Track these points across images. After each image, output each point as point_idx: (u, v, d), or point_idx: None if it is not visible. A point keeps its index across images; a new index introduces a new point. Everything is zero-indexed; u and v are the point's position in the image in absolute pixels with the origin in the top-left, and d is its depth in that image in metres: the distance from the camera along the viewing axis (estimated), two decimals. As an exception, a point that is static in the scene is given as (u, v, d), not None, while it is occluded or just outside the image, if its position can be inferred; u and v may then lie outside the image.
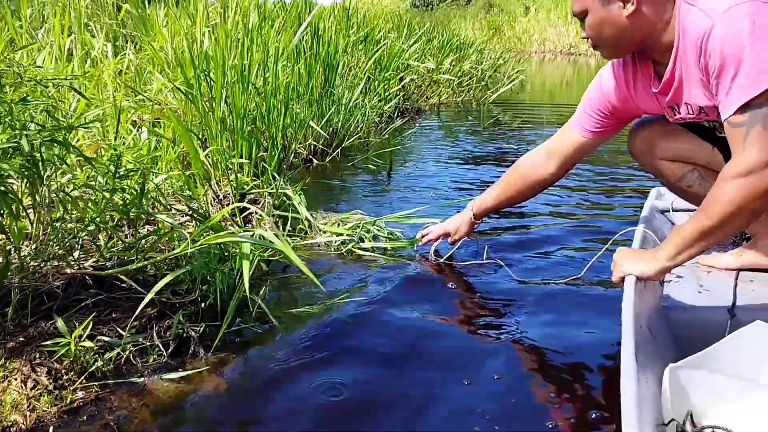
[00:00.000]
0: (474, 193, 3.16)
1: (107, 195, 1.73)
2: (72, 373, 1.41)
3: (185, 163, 2.71)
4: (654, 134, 1.80)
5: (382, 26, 7.23)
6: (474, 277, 2.19)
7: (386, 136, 4.84)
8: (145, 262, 1.74)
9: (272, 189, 2.63)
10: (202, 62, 3.05)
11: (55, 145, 1.58)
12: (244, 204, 2.24)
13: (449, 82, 7.70)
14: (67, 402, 1.34)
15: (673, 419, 1.14)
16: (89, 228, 1.75)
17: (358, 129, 4.35)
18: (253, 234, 1.77)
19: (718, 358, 1.21)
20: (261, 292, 1.86)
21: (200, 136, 2.87)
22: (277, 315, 1.80)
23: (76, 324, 1.48)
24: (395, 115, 5.75)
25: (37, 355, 1.43)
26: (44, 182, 1.61)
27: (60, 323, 1.43)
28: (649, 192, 2.31)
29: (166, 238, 1.91)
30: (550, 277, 2.16)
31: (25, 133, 1.45)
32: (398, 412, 1.41)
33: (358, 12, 7.32)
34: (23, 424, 1.26)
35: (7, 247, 1.55)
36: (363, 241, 2.40)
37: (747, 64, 1.27)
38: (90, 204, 1.76)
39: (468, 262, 2.28)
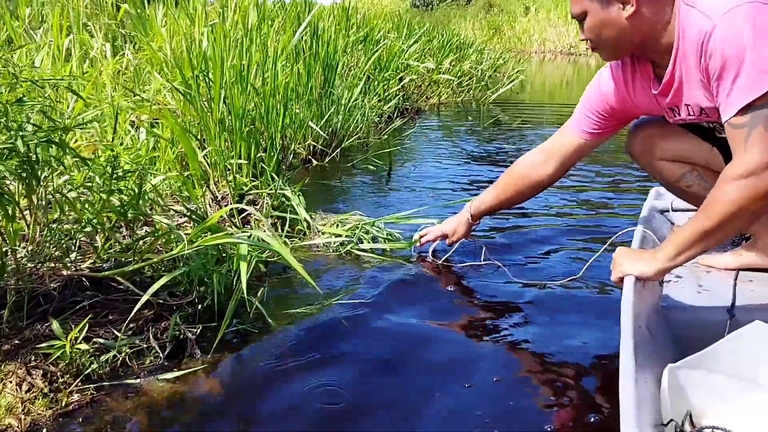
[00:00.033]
0: (474, 193, 3.15)
1: (104, 196, 1.72)
2: (68, 375, 1.40)
3: (183, 163, 2.71)
4: (652, 135, 1.79)
5: (381, 26, 7.22)
6: (472, 278, 2.18)
7: (386, 136, 4.83)
8: (142, 264, 1.73)
9: (271, 190, 2.62)
10: (201, 62, 3.04)
11: (52, 146, 1.57)
12: (242, 206, 2.23)
13: (449, 82, 7.70)
14: (63, 405, 1.33)
15: (672, 419, 1.14)
16: (86, 229, 1.75)
17: (358, 129, 4.34)
18: (251, 235, 1.76)
19: (717, 358, 1.21)
20: (259, 294, 1.85)
21: (199, 136, 2.86)
22: (275, 316, 1.79)
23: (72, 326, 1.47)
24: (395, 115, 5.75)
25: (33, 358, 1.42)
26: (41, 183, 1.60)
27: (55, 325, 1.43)
28: (648, 192, 2.31)
29: (164, 240, 1.91)
30: (548, 277, 2.15)
31: (20, 134, 1.44)
32: (396, 414, 1.40)
33: (358, 12, 7.31)
34: (18, 427, 1.25)
35: (3, 249, 1.54)
36: (362, 242, 2.39)
37: (748, 65, 1.27)
38: (87, 205, 1.75)
39: (466, 264, 2.28)
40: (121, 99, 2.76)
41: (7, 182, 1.63)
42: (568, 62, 17.57)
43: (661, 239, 1.80)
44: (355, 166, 3.85)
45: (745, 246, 1.78)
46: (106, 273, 1.69)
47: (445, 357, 1.66)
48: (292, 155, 3.57)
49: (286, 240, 2.37)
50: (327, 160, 3.90)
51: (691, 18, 1.37)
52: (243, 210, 2.50)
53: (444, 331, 1.81)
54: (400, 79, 6.19)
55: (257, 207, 2.63)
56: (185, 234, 1.75)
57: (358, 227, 2.44)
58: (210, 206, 2.49)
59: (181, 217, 2.26)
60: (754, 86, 1.27)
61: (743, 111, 1.29)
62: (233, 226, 2.36)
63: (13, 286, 1.55)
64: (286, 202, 2.57)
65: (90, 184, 1.75)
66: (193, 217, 2.08)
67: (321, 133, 3.75)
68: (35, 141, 1.50)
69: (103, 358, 1.48)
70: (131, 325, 1.61)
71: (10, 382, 1.34)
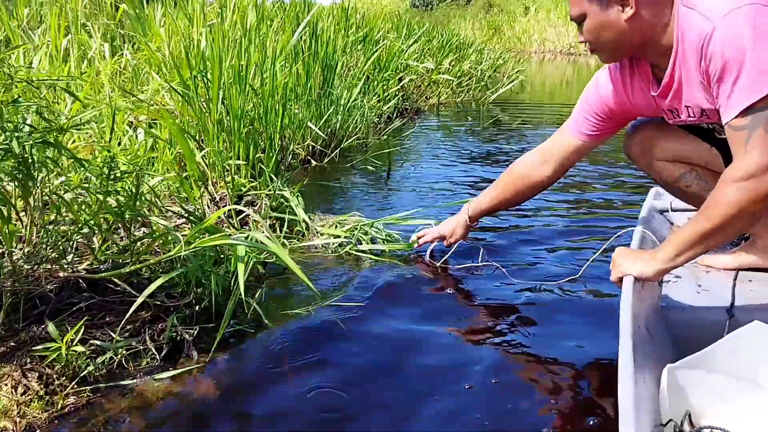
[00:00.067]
0: (474, 193, 3.14)
1: (101, 197, 1.72)
2: (63, 378, 1.40)
3: (182, 164, 2.70)
4: (650, 136, 1.79)
5: (381, 26, 7.22)
6: (470, 279, 2.17)
7: (385, 136, 4.82)
8: (139, 265, 1.72)
9: (269, 191, 2.61)
10: (199, 63, 3.03)
11: (48, 147, 1.57)
12: (239, 207, 2.22)
13: (448, 82, 7.69)
14: (58, 407, 1.32)
15: (671, 420, 1.13)
16: (83, 231, 1.74)
17: (357, 130, 4.33)
18: (248, 236, 1.75)
19: (716, 358, 1.21)
20: (257, 295, 1.84)
21: (197, 137, 2.86)
22: (272, 317, 1.79)
23: (69, 328, 1.46)
24: (394, 115, 5.74)
25: (28, 360, 1.42)
26: (37, 185, 1.59)
27: (51, 327, 1.42)
28: (647, 192, 2.30)
29: (161, 241, 1.90)
30: (547, 278, 2.14)
31: (16, 134, 1.44)
32: (394, 415, 1.40)
33: (357, 12, 7.30)
34: (13, 430, 1.24)
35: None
36: (360, 244, 2.38)
37: (748, 67, 1.26)
38: (84, 207, 1.74)
39: (464, 265, 2.26)
40: (119, 99, 2.76)
41: (3, 183, 1.63)
42: (568, 62, 17.55)
43: (660, 239, 1.79)
44: (355, 167, 3.85)
45: (745, 246, 1.78)
46: (103, 274, 1.68)
47: (444, 358, 1.66)
48: (290, 156, 3.57)
49: (285, 241, 2.37)
50: (326, 160, 3.89)
51: (691, 20, 1.36)
52: (242, 211, 2.50)
53: (442, 332, 1.80)
54: (400, 80, 6.18)
55: (256, 208, 2.62)
56: (183, 235, 1.75)
57: (356, 228, 2.43)
58: (208, 207, 2.48)
59: (179, 218, 2.25)
60: (755, 88, 1.26)
61: (744, 113, 1.29)
62: (231, 227, 2.35)
63: (9, 287, 1.55)
64: (285, 203, 2.57)
65: (87, 185, 1.75)
66: (191, 218, 2.07)
67: (320, 133, 3.74)
68: (30, 142, 1.50)
69: (99, 360, 1.47)
70: (128, 327, 1.61)
71: (6, 384, 1.34)
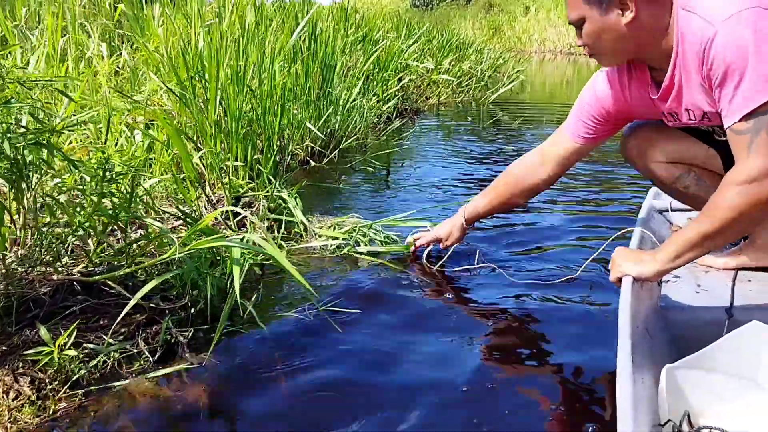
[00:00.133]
0: (474, 194, 3.12)
1: (95, 199, 1.70)
2: (56, 382, 1.38)
3: (179, 165, 2.69)
4: (648, 137, 1.78)
5: (380, 26, 7.21)
6: (467, 281, 2.16)
7: (384, 137, 4.82)
8: (134, 268, 1.71)
9: (267, 192, 2.60)
10: (197, 63, 3.02)
11: (41, 148, 1.55)
12: (236, 209, 2.20)
13: (448, 82, 7.68)
14: (50, 412, 1.31)
15: (669, 420, 1.13)
16: (78, 233, 1.73)
17: (356, 130, 4.32)
18: (244, 238, 1.74)
19: (715, 358, 1.20)
20: (253, 297, 1.83)
21: (194, 138, 2.85)
22: (269, 318, 1.78)
23: (62, 331, 1.45)
24: (394, 115, 5.73)
25: (21, 365, 1.40)
26: (31, 186, 1.58)
27: (43, 331, 1.41)
28: (646, 192, 2.28)
29: (157, 243, 1.89)
30: (545, 278, 2.13)
31: (8, 135, 1.42)
32: (390, 416, 1.38)
33: (357, 12, 7.30)
34: (4, 434, 1.23)
35: (-8, 253, 1.53)
36: (359, 245, 2.37)
37: (751, 71, 1.25)
38: (78, 208, 1.73)
39: (461, 267, 2.25)
40: (116, 100, 2.75)
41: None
42: (568, 62, 17.54)
43: (659, 239, 1.78)
44: (354, 168, 3.83)
45: (744, 246, 1.77)
46: (98, 277, 1.67)
47: (441, 360, 1.64)
48: (289, 156, 3.55)
49: (282, 243, 2.35)
50: (325, 161, 3.88)
51: (692, 23, 1.35)
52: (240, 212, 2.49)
53: (439, 334, 1.79)
54: (399, 80, 6.17)
55: (254, 209, 2.61)
56: (178, 237, 1.73)
57: (355, 230, 2.42)
58: (205, 209, 2.47)
59: (176, 220, 2.24)
60: (758, 92, 1.26)
61: (746, 117, 1.28)
62: (228, 229, 2.34)
63: (2, 291, 1.53)
64: (283, 205, 2.55)
65: (82, 186, 1.73)
66: (188, 220, 2.06)
67: (319, 134, 3.73)
68: (23, 143, 1.48)
69: (91, 363, 1.46)
70: (122, 330, 1.59)
71: (-2, 388, 1.32)
